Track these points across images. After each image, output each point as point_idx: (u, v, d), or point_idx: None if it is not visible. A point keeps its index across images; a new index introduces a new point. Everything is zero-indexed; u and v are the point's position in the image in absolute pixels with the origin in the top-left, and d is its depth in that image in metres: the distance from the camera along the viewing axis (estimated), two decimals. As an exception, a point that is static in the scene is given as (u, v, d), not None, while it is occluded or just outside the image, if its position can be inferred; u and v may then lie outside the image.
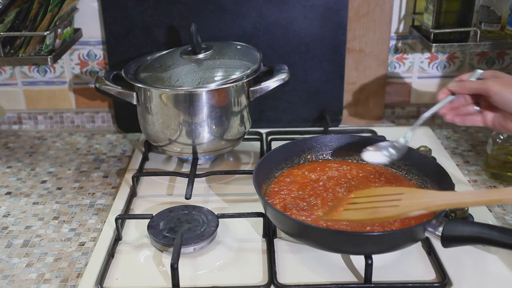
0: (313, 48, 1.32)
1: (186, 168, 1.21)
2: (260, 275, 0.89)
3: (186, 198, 1.04)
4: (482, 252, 0.93)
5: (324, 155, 1.11)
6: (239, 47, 1.24)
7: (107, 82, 1.16)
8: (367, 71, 1.37)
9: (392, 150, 0.98)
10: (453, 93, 0.96)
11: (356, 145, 1.09)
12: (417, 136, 1.30)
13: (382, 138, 1.23)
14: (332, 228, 0.89)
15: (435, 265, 0.90)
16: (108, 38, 1.32)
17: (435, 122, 1.43)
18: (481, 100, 0.96)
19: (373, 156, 0.98)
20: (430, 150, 1.16)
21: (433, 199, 0.80)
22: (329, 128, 1.31)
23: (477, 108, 0.97)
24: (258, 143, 1.29)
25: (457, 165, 1.21)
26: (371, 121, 1.42)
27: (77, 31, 1.33)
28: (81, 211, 1.09)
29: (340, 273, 0.89)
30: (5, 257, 0.96)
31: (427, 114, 0.96)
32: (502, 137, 1.14)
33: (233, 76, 1.12)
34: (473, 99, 0.97)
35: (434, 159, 1.13)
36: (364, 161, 1.05)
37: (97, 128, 1.45)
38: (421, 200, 0.80)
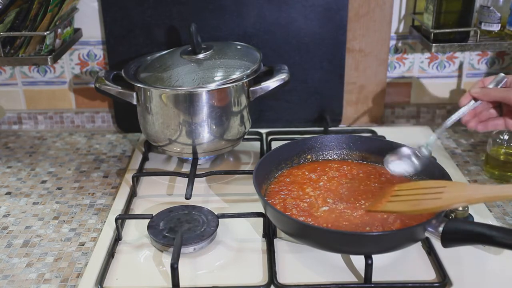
0: (313, 48, 1.32)
1: (186, 168, 1.21)
2: (260, 275, 0.89)
3: (186, 198, 1.04)
4: (482, 252, 0.93)
5: (324, 155, 1.11)
6: (239, 47, 1.24)
7: (107, 82, 1.16)
8: (367, 71, 1.37)
9: (414, 160, 0.97)
10: (475, 99, 0.95)
11: (356, 145, 1.09)
12: (417, 136, 1.31)
13: (382, 138, 1.24)
14: (332, 228, 0.89)
15: (435, 265, 0.90)
16: (108, 38, 1.32)
17: (435, 122, 1.43)
18: (503, 105, 0.95)
19: (397, 166, 0.98)
20: (430, 150, 1.16)
21: (475, 192, 0.81)
22: (329, 128, 1.31)
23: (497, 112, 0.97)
24: (258, 143, 1.29)
25: (457, 165, 1.21)
26: (371, 121, 1.42)
27: (77, 31, 1.33)
28: (81, 211, 1.09)
29: (340, 273, 0.89)
30: (5, 257, 0.96)
31: (449, 122, 0.96)
32: (502, 137, 1.14)
33: (233, 76, 1.12)
34: (494, 104, 0.97)
35: (434, 159, 1.13)
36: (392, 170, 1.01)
37: (97, 128, 1.45)
38: (463, 193, 0.82)
